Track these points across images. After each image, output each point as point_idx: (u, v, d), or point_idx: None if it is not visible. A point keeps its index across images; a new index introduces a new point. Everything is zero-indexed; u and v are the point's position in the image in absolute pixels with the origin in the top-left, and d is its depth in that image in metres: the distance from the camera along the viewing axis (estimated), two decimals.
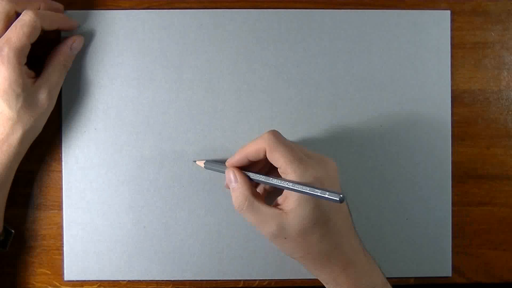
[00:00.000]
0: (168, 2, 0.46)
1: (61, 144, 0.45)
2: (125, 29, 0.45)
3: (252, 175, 0.39)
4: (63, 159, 0.45)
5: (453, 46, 0.46)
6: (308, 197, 0.35)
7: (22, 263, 0.46)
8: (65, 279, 0.45)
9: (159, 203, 0.45)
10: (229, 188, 0.39)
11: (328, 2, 0.46)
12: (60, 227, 0.45)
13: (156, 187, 0.45)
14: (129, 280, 0.46)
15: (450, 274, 0.46)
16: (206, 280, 0.46)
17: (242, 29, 0.46)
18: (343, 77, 0.46)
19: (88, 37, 0.45)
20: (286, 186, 0.36)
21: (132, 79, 0.45)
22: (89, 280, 0.45)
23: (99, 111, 0.45)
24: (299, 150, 0.37)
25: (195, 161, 0.45)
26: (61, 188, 0.45)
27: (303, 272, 0.46)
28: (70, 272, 0.45)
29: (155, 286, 0.46)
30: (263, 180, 0.38)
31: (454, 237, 0.46)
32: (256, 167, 0.41)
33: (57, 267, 0.46)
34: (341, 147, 0.46)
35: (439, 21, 0.46)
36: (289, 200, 0.36)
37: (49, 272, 0.46)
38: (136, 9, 0.46)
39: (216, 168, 0.43)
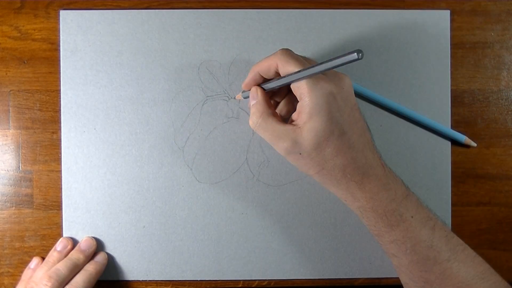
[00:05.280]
0: (168, 2, 0.46)
1: (61, 144, 0.45)
2: (125, 29, 0.45)
3: (265, 85, 0.39)
4: (62, 159, 0.45)
5: (452, 46, 0.46)
6: (320, 110, 0.35)
7: (21, 263, 0.46)
8: None
9: (159, 203, 0.45)
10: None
11: (328, 2, 0.46)
12: (59, 227, 0.45)
13: (156, 187, 0.45)
14: (128, 280, 0.46)
15: None
16: (205, 280, 0.46)
17: (242, 29, 0.46)
18: None
19: (88, 37, 0.45)
20: (299, 77, 0.35)
21: (132, 79, 0.45)
22: None
23: (99, 111, 0.45)
24: (311, 65, 0.37)
25: (234, 97, 0.45)
26: (61, 188, 0.45)
27: (302, 272, 0.46)
28: None
29: (154, 286, 0.46)
30: (275, 83, 0.37)
31: None
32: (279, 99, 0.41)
33: None
34: None
35: (439, 21, 0.46)
36: (302, 115, 0.36)
37: None
38: (136, 9, 0.46)
39: (245, 94, 0.42)
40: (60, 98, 0.45)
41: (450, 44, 0.46)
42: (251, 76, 0.40)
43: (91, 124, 0.45)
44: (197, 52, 0.45)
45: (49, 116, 0.45)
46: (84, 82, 0.45)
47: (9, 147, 0.46)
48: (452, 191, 0.46)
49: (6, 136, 0.46)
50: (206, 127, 0.46)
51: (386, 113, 0.46)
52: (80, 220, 0.45)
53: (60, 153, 0.45)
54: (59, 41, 0.45)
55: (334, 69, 0.35)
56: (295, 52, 0.37)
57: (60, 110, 0.45)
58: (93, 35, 0.45)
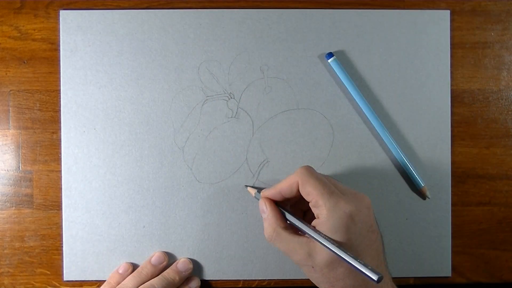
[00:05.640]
0: (167, 2, 0.46)
1: (61, 144, 0.45)
2: (125, 29, 0.45)
3: (288, 216, 0.39)
4: (62, 159, 0.45)
5: (452, 46, 0.46)
6: (337, 231, 0.35)
7: (21, 263, 0.46)
8: (65, 279, 0.45)
9: (159, 203, 0.45)
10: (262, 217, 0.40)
11: (328, 2, 0.46)
12: (59, 227, 0.45)
13: (155, 187, 0.45)
14: None
15: (449, 274, 0.46)
16: (205, 280, 0.46)
17: (242, 29, 0.46)
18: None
19: (88, 37, 0.45)
20: (316, 238, 0.35)
21: (132, 79, 0.45)
22: (88, 280, 0.45)
23: (99, 111, 0.45)
24: (332, 184, 0.38)
25: (247, 186, 0.45)
26: (61, 188, 0.45)
27: (302, 272, 0.46)
28: (70, 272, 0.45)
29: None
30: (295, 221, 0.38)
31: (453, 237, 0.46)
32: (291, 202, 0.41)
33: (57, 267, 0.46)
34: (341, 147, 0.46)
35: (438, 21, 0.46)
36: (321, 229, 0.36)
37: (49, 272, 0.46)
38: (136, 9, 0.46)
39: (258, 196, 0.43)
40: (60, 98, 0.45)
41: (450, 44, 0.46)
42: (272, 192, 0.40)
43: (91, 124, 0.45)
44: (197, 52, 0.45)
45: (49, 116, 0.45)
46: (84, 82, 0.45)
47: (9, 147, 0.46)
48: (452, 191, 0.46)
49: (6, 136, 0.46)
50: (206, 127, 0.46)
51: (386, 113, 0.46)
52: (80, 220, 0.45)
53: (60, 153, 0.45)
54: (59, 41, 0.45)
55: (353, 189, 0.37)
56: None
57: (60, 110, 0.45)
58: (93, 35, 0.45)
